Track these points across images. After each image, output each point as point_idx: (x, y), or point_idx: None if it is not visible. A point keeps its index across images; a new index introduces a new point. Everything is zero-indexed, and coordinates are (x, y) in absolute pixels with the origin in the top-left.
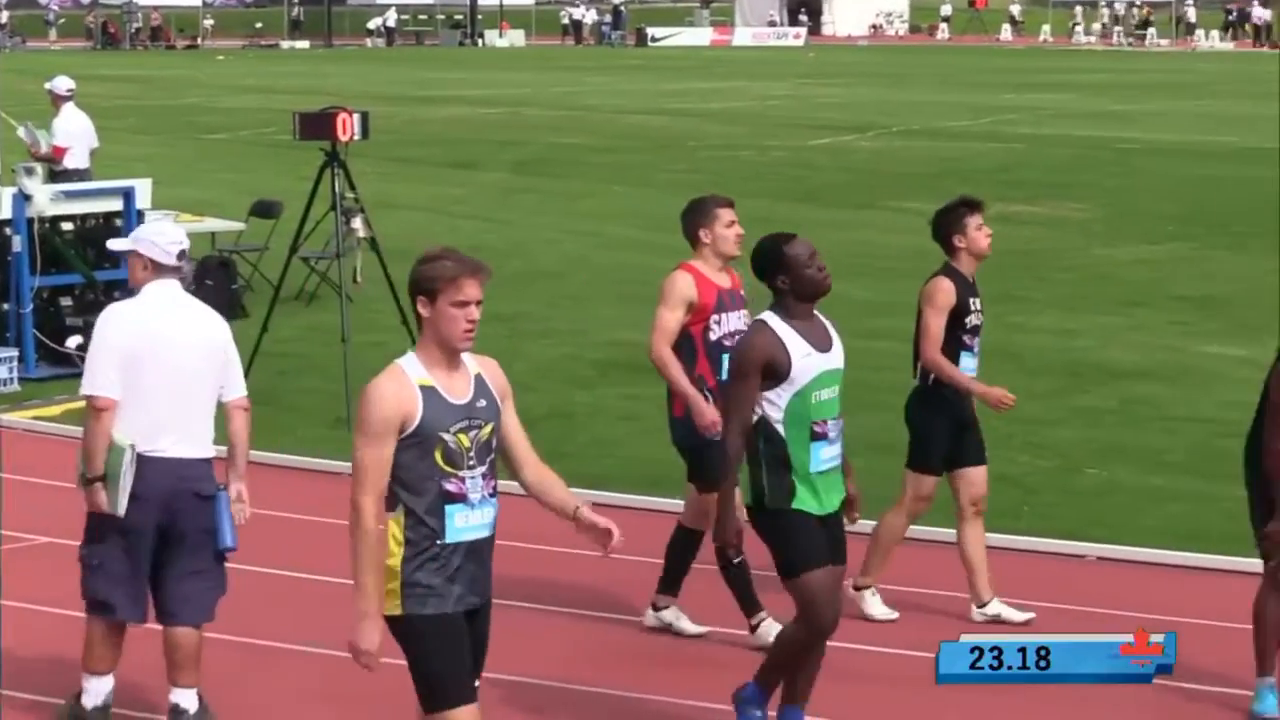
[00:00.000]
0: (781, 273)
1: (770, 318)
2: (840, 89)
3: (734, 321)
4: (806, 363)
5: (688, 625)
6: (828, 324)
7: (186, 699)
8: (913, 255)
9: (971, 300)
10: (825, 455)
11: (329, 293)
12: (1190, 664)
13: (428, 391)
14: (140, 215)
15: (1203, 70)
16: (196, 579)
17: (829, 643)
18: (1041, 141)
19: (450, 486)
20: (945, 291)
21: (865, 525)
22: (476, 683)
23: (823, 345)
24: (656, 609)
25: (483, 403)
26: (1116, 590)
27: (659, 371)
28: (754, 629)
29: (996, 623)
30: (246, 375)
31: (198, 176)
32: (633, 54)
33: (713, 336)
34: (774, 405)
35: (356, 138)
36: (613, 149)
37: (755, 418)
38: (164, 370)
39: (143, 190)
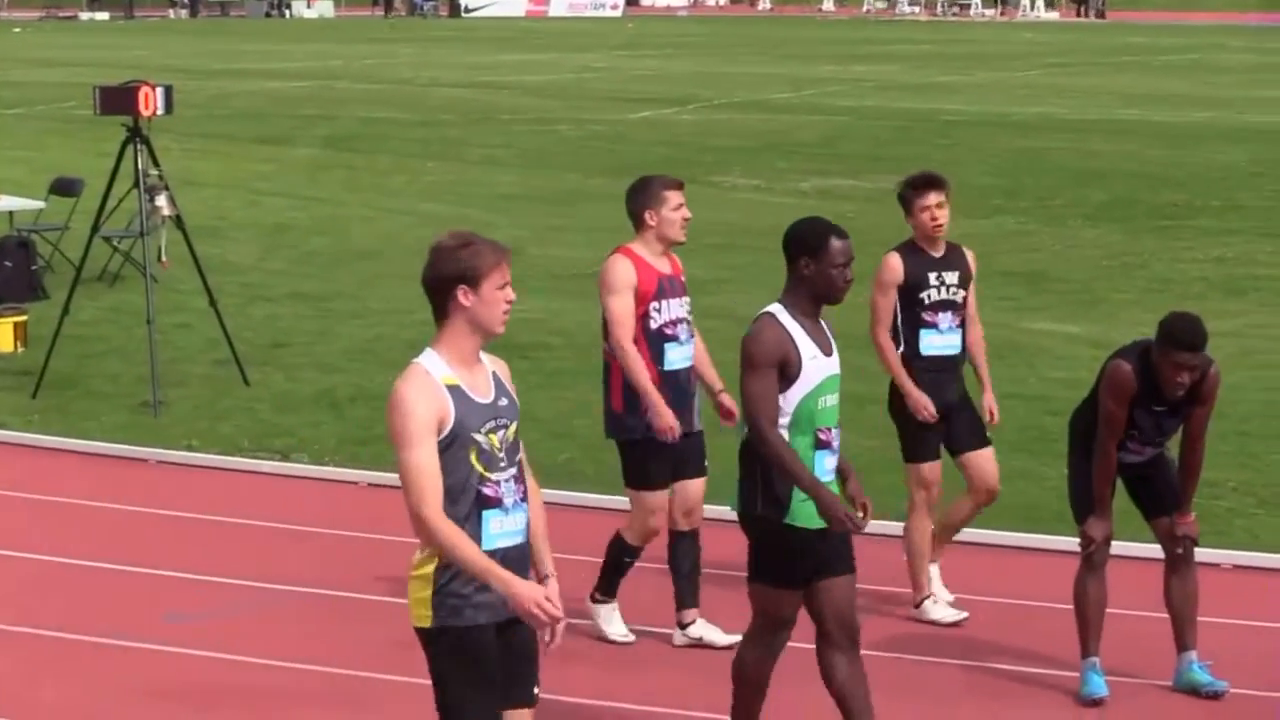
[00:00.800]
0: (809, 256)
1: (779, 312)
2: (660, 61)
3: (675, 309)
4: (814, 365)
5: (719, 637)
6: (827, 327)
7: None
8: (738, 232)
9: (931, 274)
10: (829, 465)
11: (133, 273)
12: (1019, 646)
13: (455, 391)
14: None
15: (1026, 40)
16: None
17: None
18: (865, 114)
19: (487, 490)
20: (888, 269)
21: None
22: (536, 689)
23: (826, 348)
24: (683, 626)
25: (504, 401)
26: (947, 572)
27: (620, 364)
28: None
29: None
30: (48, 359)
31: None
32: (446, 25)
33: (653, 325)
34: (779, 409)
35: (160, 113)
36: (425, 123)
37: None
38: None
39: None
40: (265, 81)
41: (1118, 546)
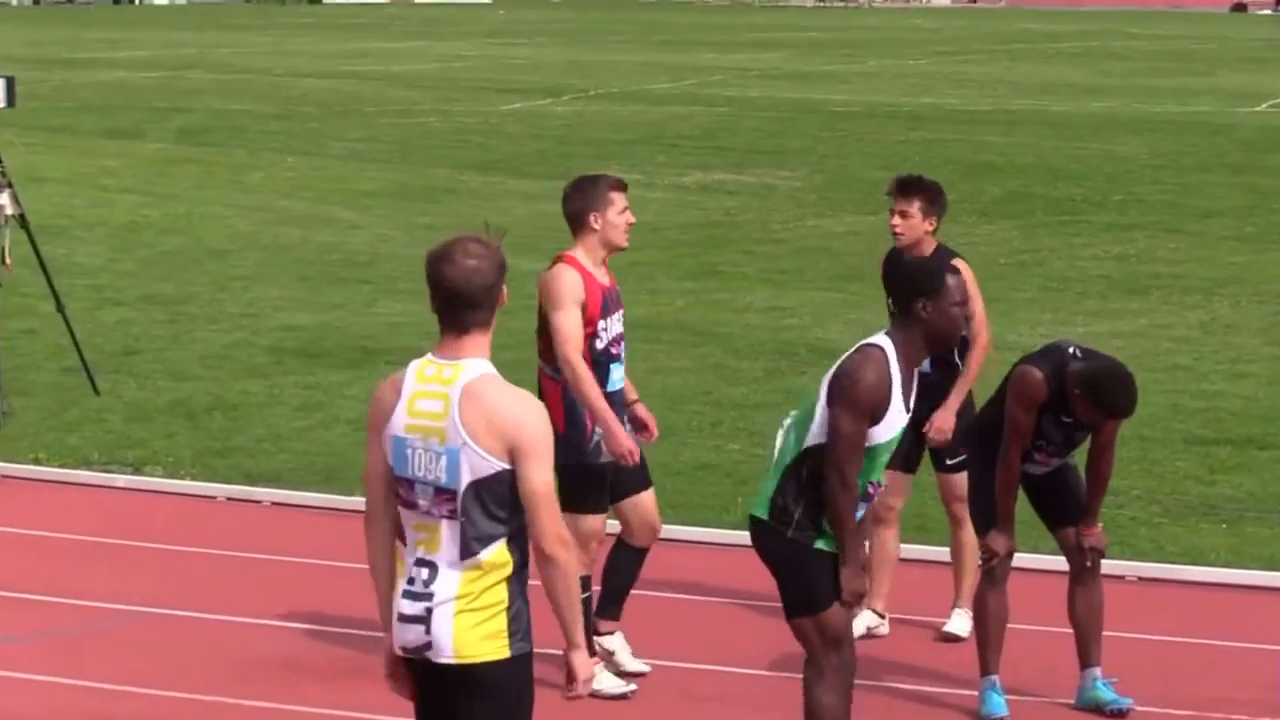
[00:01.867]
0: (929, 299)
1: (890, 351)
2: (532, 49)
3: (616, 325)
4: (895, 419)
5: (627, 660)
6: (915, 379)
7: None
8: None
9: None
10: (860, 514)
11: None
12: (917, 664)
13: None
14: None
15: (918, 28)
16: None
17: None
18: (748, 104)
19: None
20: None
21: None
22: None
23: (908, 403)
24: (599, 634)
25: None
26: None
27: (570, 385)
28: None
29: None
30: None
31: None
32: (305, 11)
33: (599, 345)
34: None
35: (1, 105)
36: (284, 116)
37: (812, 443)
38: None
39: None
40: (113, 71)
41: (1017, 558)
